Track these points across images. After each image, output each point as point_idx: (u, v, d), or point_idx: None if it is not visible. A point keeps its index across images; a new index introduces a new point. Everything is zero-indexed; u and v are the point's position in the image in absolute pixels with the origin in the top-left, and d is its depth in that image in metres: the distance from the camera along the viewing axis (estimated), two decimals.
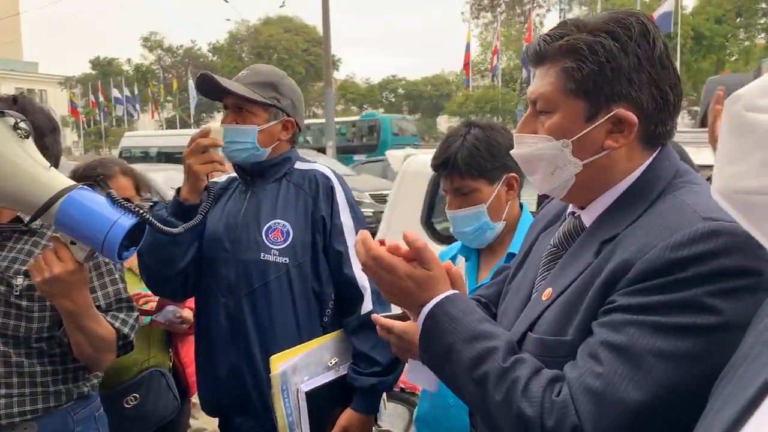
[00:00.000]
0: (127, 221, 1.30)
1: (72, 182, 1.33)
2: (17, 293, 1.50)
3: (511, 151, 1.07)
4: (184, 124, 35.63)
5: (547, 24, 35.95)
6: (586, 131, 0.96)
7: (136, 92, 39.23)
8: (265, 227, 1.75)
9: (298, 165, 1.86)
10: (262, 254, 1.73)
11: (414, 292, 1.01)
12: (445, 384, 1.01)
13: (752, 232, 0.57)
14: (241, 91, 1.75)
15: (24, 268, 1.50)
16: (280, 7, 38.99)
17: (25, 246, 1.55)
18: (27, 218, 1.56)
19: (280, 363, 1.66)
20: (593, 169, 0.97)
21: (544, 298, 0.99)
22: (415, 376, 1.51)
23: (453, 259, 1.82)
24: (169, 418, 2.17)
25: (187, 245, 1.75)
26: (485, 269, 1.70)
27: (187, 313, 2.14)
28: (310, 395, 1.70)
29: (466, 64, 28.34)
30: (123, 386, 2.03)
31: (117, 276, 1.63)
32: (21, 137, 1.29)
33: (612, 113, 0.94)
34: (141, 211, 1.34)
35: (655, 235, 0.86)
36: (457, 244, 1.82)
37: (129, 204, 1.33)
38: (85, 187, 1.34)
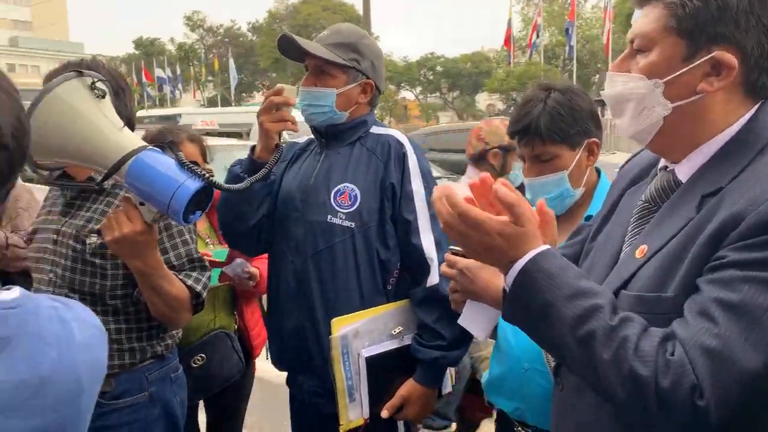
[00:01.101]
0: (193, 184, 1.31)
1: (143, 143, 1.35)
2: (91, 251, 1.55)
3: (601, 91, 1.04)
4: (225, 103, 36.01)
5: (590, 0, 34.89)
6: (680, 72, 0.92)
7: (179, 72, 39.76)
8: (334, 190, 1.76)
9: (374, 129, 1.84)
10: (328, 217, 1.74)
11: (504, 249, 0.94)
12: (540, 343, 0.99)
13: None
14: (320, 52, 1.74)
15: (98, 227, 1.54)
16: None
17: (99, 206, 1.59)
18: (99, 178, 1.61)
19: (342, 326, 1.67)
20: (683, 114, 0.94)
21: (638, 256, 0.96)
22: (469, 321, 1.48)
23: None
24: (234, 378, 2.23)
25: (258, 202, 1.78)
26: (562, 235, 1.65)
27: (255, 270, 2.19)
28: (372, 362, 1.70)
29: (507, 40, 27.78)
30: (191, 346, 2.10)
31: (188, 237, 1.66)
32: (97, 97, 1.32)
33: (711, 55, 0.91)
34: (207, 175, 1.35)
35: (767, 187, 0.83)
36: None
37: (196, 168, 1.34)
38: (155, 148, 1.35)
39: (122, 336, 1.61)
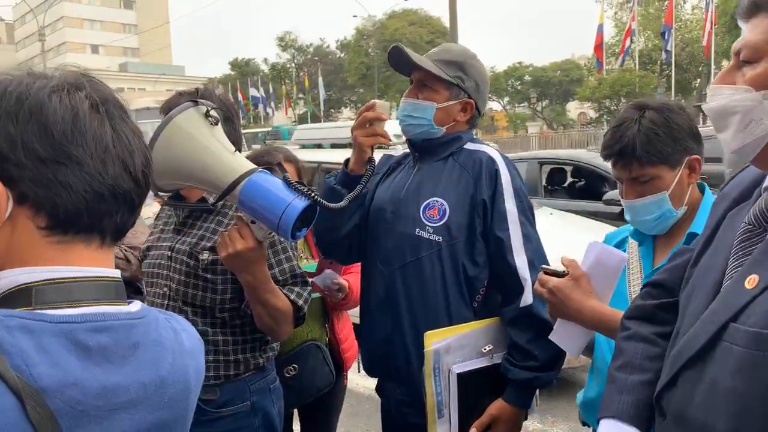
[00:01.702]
0: (300, 203, 1.37)
1: (253, 166, 1.43)
2: (203, 267, 1.65)
3: (704, 105, 1.00)
4: (315, 119, 37.14)
5: (690, 0, 33.19)
6: None
7: (271, 90, 41.44)
8: (424, 204, 1.77)
9: (469, 145, 1.85)
10: (417, 230, 1.76)
11: None
12: None
13: None
14: (426, 65, 1.77)
15: (210, 244, 1.65)
16: (405, 0, 39.30)
17: (211, 225, 1.70)
18: (212, 198, 1.71)
19: (435, 340, 1.67)
20: None
21: (748, 286, 0.91)
22: (561, 338, 1.49)
23: (622, 242, 1.73)
24: (325, 390, 2.28)
25: (349, 214, 1.82)
26: (662, 253, 1.59)
27: (344, 282, 2.24)
28: (463, 378, 1.70)
29: (598, 46, 26.87)
30: (284, 357, 2.16)
31: (291, 254, 1.74)
32: (211, 124, 1.42)
33: None
34: (313, 194, 1.42)
35: None
36: (626, 227, 1.73)
37: (302, 187, 1.41)
38: (264, 170, 1.43)
39: (229, 347, 1.69)
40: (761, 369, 0.86)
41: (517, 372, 1.71)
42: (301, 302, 1.69)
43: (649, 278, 1.54)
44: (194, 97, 1.56)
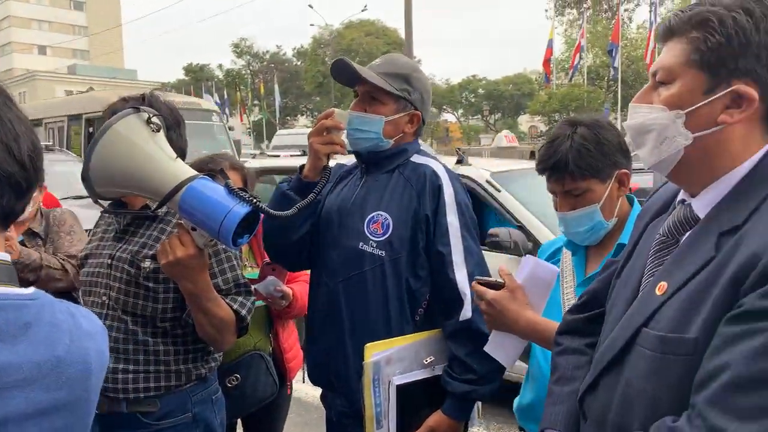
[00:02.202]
0: (241, 210, 1.37)
1: (194, 172, 1.43)
2: (145, 275, 1.63)
3: (624, 123, 1.05)
4: (270, 127, 36.80)
5: (635, 20, 34.49)
6: (701, 104, 0.94)
7: (226, 96, 40.90)
8: (368, 218, 1.77)
9: (415, 158, 1.85)
10: (360, 244, 1.76)
11: None
12: None
13: None
14: (373, 79, 1.76)
15: (152, 252, 1.62)
16: (362, 11, 39.45)
17: (153, 232, 1.68)
18: (154, 205, 1.70)
19: (375, 352, 1.68)
20: (703, 145, 0.95)
21: (658, 293, 0.96)
22: (495, 349, 1.53)
23: (556, 252, 1.79)
24: (268, 400, 2.27)
25: (301, 221, 1.80)
26: (594, 262, 1.66)
27: (288, 290, 2.23)
28: (402, 390, 1.70)
29: (546, 61, 27.63)
30: (226, 366, 2.14)
31: (235, 263, 1.72)
32: (153, 131, 1.41)
33: (732, 88, 0.93)
34: (255, 200, 1.41)
35: None
36: (560, 237, 1.79)
37: (244, 193, 1.40)
38: (206, 177, 1.43)
39: (170, 357, 1.67)
40: (667, 371, 0.92)
41: (456, 385, 1.72)
42: (243, 312, 1.67)
43: (582, 286, 1.61)
44: (140, 103, 1.55)
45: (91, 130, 12.60)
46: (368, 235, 1.76)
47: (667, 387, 0.91)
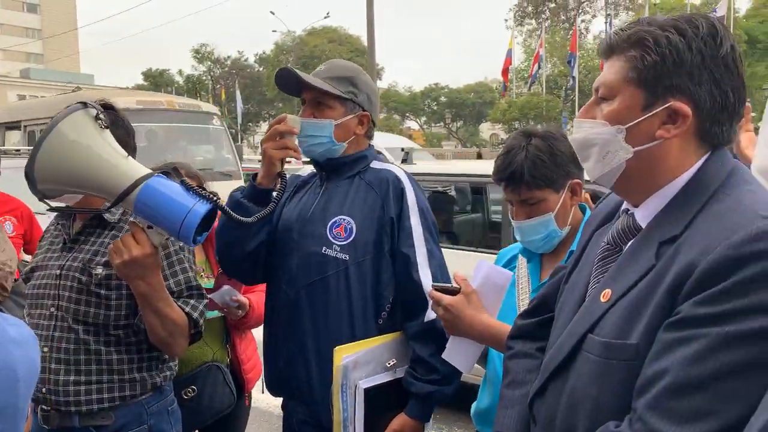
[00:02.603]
0: (202, 208, 1.35)
1: (148, 170, 1.39)
2: (97, 282, 1.59)
3: (570, 136, 1.10)
4: (231, 133, 36.40)
5: (592, 30, 35.38)
6: (640, 119, 0.99)
7: None
8: (330, 222, 1.77)
9: (374, 164, 1.87)
10: (323, 248, 1.75)
11: None
12: None
13: None
14: (319, 84, 1.77)
15: (105, 259, 1.59)
16: (325, 18, 39.49)
17: (105, 240, 1.65)
18: (107, 214, 1.65)
19: (344, 355, 1.68)
20: (644, 158, 1.00)
21: (603, 299, 0.99)
22: (453, 355, 1.55)
23: (513, 259, 1.82)
24: (226, 411, 2.24)
25: (255, 230, 1.78)
26: (548, 269, 1.70)
27: (244, 299, 2.20)
28: (369, 394, 1.70)
29: (505, 71, 28.13)
30: (183, 378, 2.11)
31: (187, 265, 1.70)
32: (101, 127, 1.37)
33: (668, 104, 0.97)
34: (214, 198, 1.39)
35: (716, 236, 0.87)
36: (517, 245, 1.82)
37: (203, 191, 1.38)
38: (161, 175, 1.40)
39: (124, 366, 1.64)
40: (611, 375, 0.95)
41: (419, 386, 1.73)
42: (196, 315, 1.65)
43: (536, 292, 1.65)
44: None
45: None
46: (331, 239, 1.76)
47: (610, 392, 0.94)
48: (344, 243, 1.75)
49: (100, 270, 1.60)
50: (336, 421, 1.71)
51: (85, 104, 1.38)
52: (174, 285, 1.64)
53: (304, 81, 1.77)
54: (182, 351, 1.68)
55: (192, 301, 1.67)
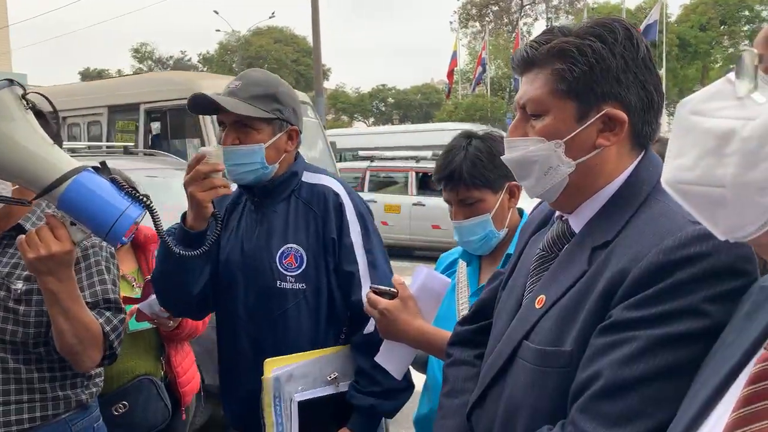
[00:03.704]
0: (135, 211, 1.27)
1: (78, 164, 1.28)
2: (16, 297, 1.49)
3: (503, 157, 1.07)
4: None
5: (534, 33, 36.26)
6: (577, 131, 0.98)
7: None
8: (279, 253, 1.71)
9: (306, 178, 1.79)
10: (278, 282, 1.70)
11: None
12: None
13: (695, 216, 0.67)
14: (243, 110, 1.64)
15: (25, 273, 1.49)
16: (270, 17, 39.03)
17: None
18: (27, 225, 1.56)
19: (274, 368, 1.63)
20: (584, 170, 0.99)
21: (537, 306, 1.00)
22: (386, 359, 1.54)
23: (453, 263, 1.83)
24: (160, 427, 2.18)
25: (198, 271, 1.69)
26: (487, 273, 1.71)
27: None
28: (305, 407, 1.66)
29: (450, 73, 28.53)
30: (111, 393, 2.02)
31: (106, 276, 1.60)
32: (26, 108, 1.25)
33: (602, 112, 0.97)
34: (147, 202, 1.30)
35: (647, 242, 0.88)
36: (457, 249, 1.83)
37: (135, 192, 1.29)
38: (90, 169, 1.28)
39: (46, 385, 1.54)
40: (546, 383, 0.95)
41: (361, 398, 1.70)
42: (108, 328, 1.53)
43: (475, 296, 1.65)
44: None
45: (156, 126, 8.37)
46: (283, 271, 1.70)
47: (546, 399, 0.94)
48: (298, 272, 1.70)
49: (19, 284, 1.49)
50: None
51: (11, 81, 1.25)
52: (89, 296, 1.54)
53: (225, 109, 1.64)
54: (92, 365, 1.55)
55: (107, 314, 1.56)
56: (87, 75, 46.23)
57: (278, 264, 1.70)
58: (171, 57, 46.97)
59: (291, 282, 1.69)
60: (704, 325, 0.81)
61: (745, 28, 31.51)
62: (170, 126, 7.93)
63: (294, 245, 1.71)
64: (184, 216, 1.62)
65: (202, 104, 1.67)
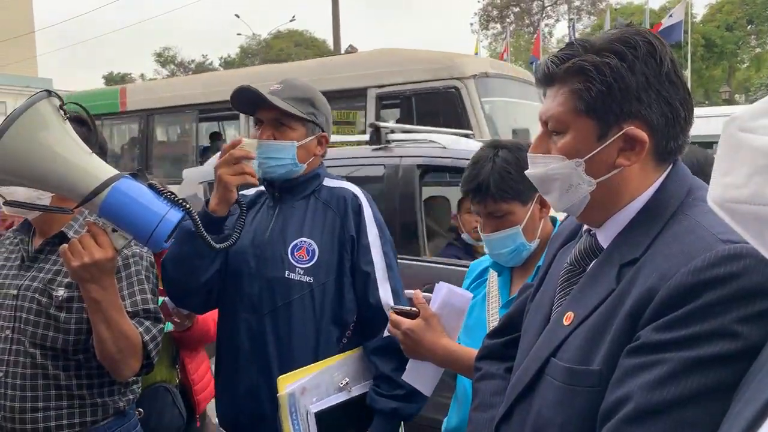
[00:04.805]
0: (175, 216, 1.29)
1: (115, 171, 1.30)
2: (57, 304, 1.50)
3: (526, 172, 1.06)
4: None
5: (555, 34, 36.07)
6: (597, 150, 0.97)
7: None
8: (291, 245, 1.73)
9: (327, 182, 1.85)
10: (286, 272, 1.71)
11: None
12: None
13: (743, 235, 0.64)
14: (283, 105, 1.72)
15: (67, 279, 1.51)
16: (290, 21, 39.32)
17: None
18: (70, 233, 1.58)
19: (288, 384, 1.63)
20: (607, 187, 0.98)
21: (566, 323, 0.98)
22: (413, 377, 1.54)
23: (484, 272, 1.80)
24: None
25: (212, 258, 1.71)
26: (518, 283, 1.67)
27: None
28: (322, 417, 1.65)
29: None
30: None
31: (147, 287, 1.61)
32: (64, 119, 1.28)
33: (622, 131, 0.95)
34: (186, 206, 1.32)
35: (676, 261, 0.86)
36: (487, 257, 1.79)
37: (174, 197, 1.31)
38: (128, 176, 1.31)
39: (84, 391, 1.56)
40: (574, 401, 0.93)
41: (384, 402, 1.69)
42: (147, 338, 1.55)
43: (505, 308, 1.61)
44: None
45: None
46: (294, 262, 1.72)
47: (575, 417, 0.93)
48: (308, 265, 1.71)
49: (61, 291, 1.51)
50: None
51: (49, 92, 1.27)
52: (130, 305, 1.55)
53: (266, 101, 1.70)
54: (131, 374, 1.57)
55: (147, 323, 1.57)
56: (110, 79, 47.03)
57: (290, 255, 1.72)
58: (193, 61, 47.60)
59: (299, 274, 1.71)
60: (736, 347, 0.78)
61: None
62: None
63: (308, 239, 1.73)
64: (207, 201, 1.66)
65: (245, 100, 1.74)
